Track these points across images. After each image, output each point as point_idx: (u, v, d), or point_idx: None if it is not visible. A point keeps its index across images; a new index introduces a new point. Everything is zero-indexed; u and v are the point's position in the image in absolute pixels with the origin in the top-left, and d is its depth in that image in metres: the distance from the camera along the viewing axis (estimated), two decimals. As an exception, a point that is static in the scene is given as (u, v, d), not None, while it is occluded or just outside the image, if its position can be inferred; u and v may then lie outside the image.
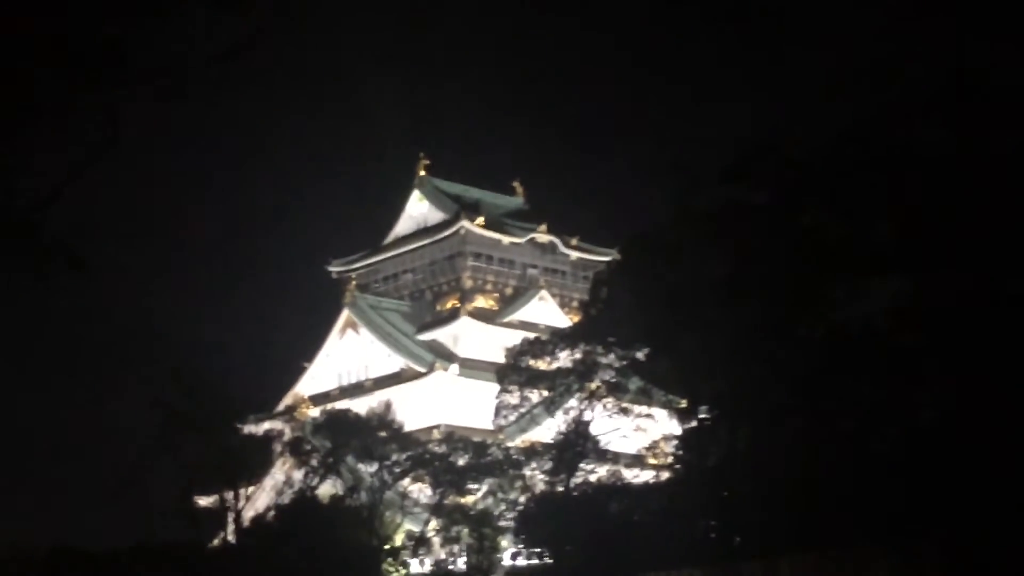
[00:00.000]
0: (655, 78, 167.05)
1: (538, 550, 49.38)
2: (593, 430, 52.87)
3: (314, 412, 68.51)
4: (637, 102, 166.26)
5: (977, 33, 31.90)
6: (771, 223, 35.86)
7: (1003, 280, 31.31)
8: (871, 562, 31.94)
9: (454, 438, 58.25)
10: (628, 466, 54.27)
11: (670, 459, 49.50)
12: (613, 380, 52.21)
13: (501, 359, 57.90)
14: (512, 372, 54.58)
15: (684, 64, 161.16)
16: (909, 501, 30.54)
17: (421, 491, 58.91)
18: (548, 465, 53.61)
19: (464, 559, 54.30)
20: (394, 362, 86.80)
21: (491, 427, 58.40)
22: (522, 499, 53.41)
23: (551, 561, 47.93)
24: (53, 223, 19.24)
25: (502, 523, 53.41)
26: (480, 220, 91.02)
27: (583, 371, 52.33)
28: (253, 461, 58.61)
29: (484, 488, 55.94)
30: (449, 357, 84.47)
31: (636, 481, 51.81)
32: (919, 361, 31.65)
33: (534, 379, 53.68)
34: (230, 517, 56.45)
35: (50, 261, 18.73)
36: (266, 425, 63.12)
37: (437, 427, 71.54)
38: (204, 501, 57.69)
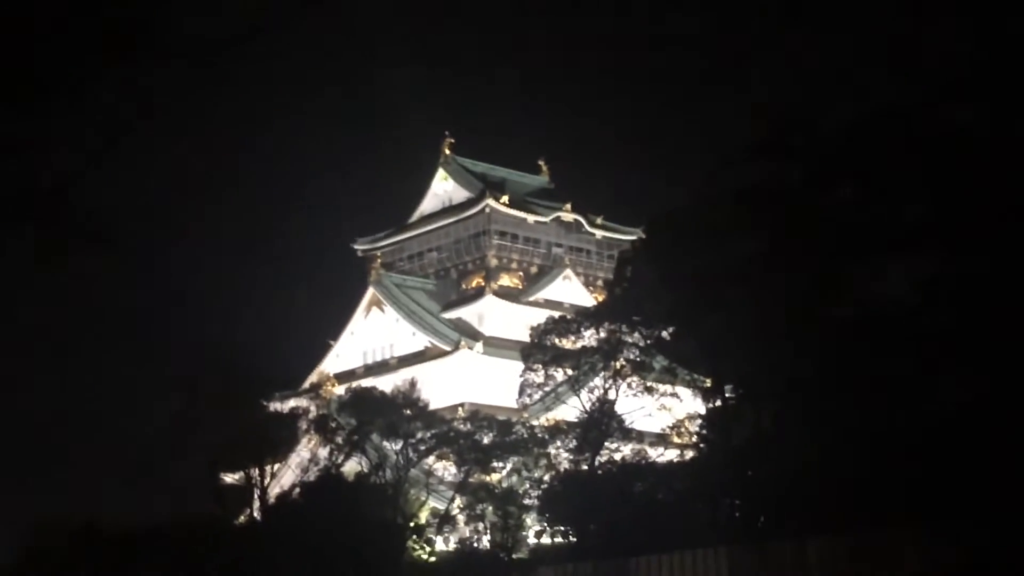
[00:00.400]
0: (682, 55, 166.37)
1: (562, 528, 49.42)
2: (618, 409, 52.80)
3: (339, 390, 68.64)
4: (664, 79, 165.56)
5: (1015, 11, 31.46)
6: (800, 201, 35.57)
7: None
8: (900, 544, 31.73)
9: (479, 416, 58.26)
10: (653, 445, 54.19)
11: (695, 438, 49.42)
12: (638, 359, 52.12)
13: (526, 338, 57.84)
14: (537, 351, 54.53)
15: (713, 40, 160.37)
16: (938, 483, 30.31)
17: (446, 469, 58.98)
18: (573, 444, 53.59)
19: (488, 537, 54.35)
20: (419, 340, 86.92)
21: (516, 405, 58.36)
22: (547, 477, 53.41)
23: (575, 539, 47.96)
24: (79, 201, 19.27)
25: (527, 501, 53.41)
26: (505, 199, 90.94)
27: (608, 350, 52.23)
28: (278, 438, 58.76)
29: (509, 466, 55.96)
30: (474, 335, 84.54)
31: (661, 460, 51.75)
32: (950, 341, 31.35)
33: (559, 358, 53.61)
34: (255, 494, 56.69)
35: (77, 239, 18.77)
36: (291, 403, 63.22)
37: (462, 405, 71.62)
38: (230, 478, 57.90)
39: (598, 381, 53.27)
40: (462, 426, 57.28)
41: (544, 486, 52.57)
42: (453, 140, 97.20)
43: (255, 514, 56.96)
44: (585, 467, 51.58)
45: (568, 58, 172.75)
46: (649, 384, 52.34)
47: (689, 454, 50.17)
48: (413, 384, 60.33)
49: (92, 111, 18.83)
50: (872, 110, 33.33)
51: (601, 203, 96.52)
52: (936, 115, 31.94)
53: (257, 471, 56.54)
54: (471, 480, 56.12)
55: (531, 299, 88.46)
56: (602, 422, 52.20)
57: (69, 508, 61.29)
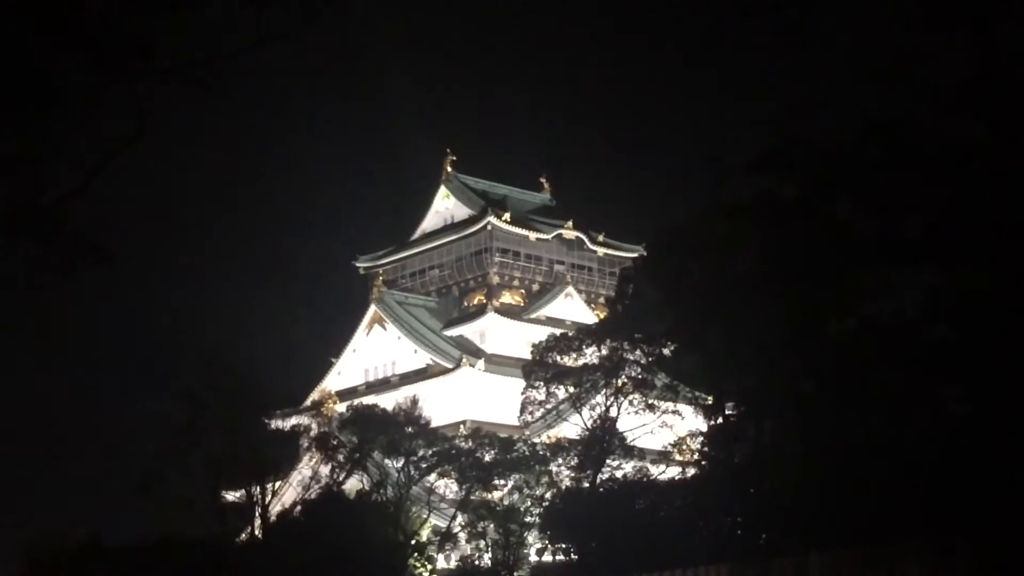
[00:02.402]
0: (683, 71, 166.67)
1: (564, 546, 49.32)
2: (619, 426, 52.78)
3: (341, 407, 68.62)
4: (664, 96, 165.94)
5: (1012, 23, 31.47)
6: (801, 216, 35.53)
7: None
8: (903, 559, 31.59)
9: (480, 434, 58.21)
10: (654, 462, 54.16)
11: (696, 455, 49.31)
12: (639, 376, 52.11)
13: (527, 355, 57.87)
14: (538, 368, 54.53)
15: (713, 56, 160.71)
16: (941, 497, 30.22)
17: (447, 487, 58.93)
18: (574, 461, 53.54)
19: (490, 555, 54.27)
20: (420, 358, 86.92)
21: (517, 423, 58.38)
22: (548, 495, 53.34)
23: (577, 557, 47.84)
24: (79, 217, 19.29)
25: (528, 519, 53.36)
26: (507, 216, 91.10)
27: (609, 367, 52.23)
28: (280, 456, 58.78)
29: (510, 484, 55.91)
30: (476, 353, 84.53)
31: (662, 477, 51.68)
32: (952, 355, 31.29)
33: (560, 375, 53.62)
34: (257, 511, 56.59)
35: (76, 254, 18.77)
36: (293, 420, 63.23)
37: (463, 423, 71.58)
38: (231, 496, 57.81)
39: (600, 398, 53.27)
40: (464, 444, 57.23)
41: (546, 503, 52.50)
42: (454, 157, 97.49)
43: (256, 532, 56.84)
44: (587, 484, 51.50)
45: (569, 76, 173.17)
46: (651, 401, 52.36)
47: (691, 471, 50.06)
48: (415, 402, 60.32)
49: (93, 128, 18.86)
50: (871, 123, 33.32)
51: (603, 220, 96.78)
52: (935, 128, 31.95)
53: (258, 488, 56.43)
54: (473, 498, 56.05)
55: (533, 316, 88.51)
56: (604, 439, 52.15)
57: (69, 525, 61.14)
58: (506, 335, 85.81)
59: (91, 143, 18.57)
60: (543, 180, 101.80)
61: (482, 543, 54.31)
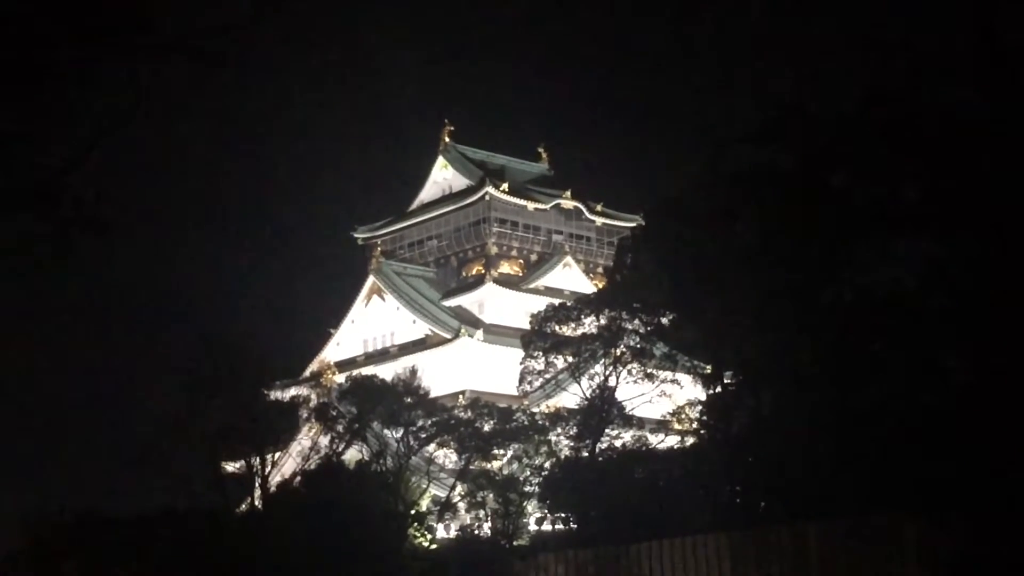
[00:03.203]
0: (682, 41, 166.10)
1: (563, 515, 49.48)
2: (618, 396, 52.86)
3: (340, 378, 68.69)
4: (663, 66, 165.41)
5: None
6: (799, 186, 35.53)
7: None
8: (900, 529, 31.73)
9: (479, 404, 58.29)
10: (653, 432, 54.23)
11: (695, 425, 49.45)
12: (638, 346, 52.14)
13: (526, 325, 57.91)
14: (537, 338, 54.57)
15: (712, 27, 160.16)
16: (939, 468, 30.32)
17: (447, 457, 59.06)
18: (573, 431, 53.64)
19: (489, 524, 54.42)
20: (419, 328, 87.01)
21: (516, 393, 58.44)
22: (547, 465, 53.45)
23: (576, 526, 48.01)
24: (76, 191, 19.23)
25: (527, 488, 53.48)
26: (505, 186, 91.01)
27: (608, 337, 52.27)
28: (279, 427, 58.79)
29: (509, 454, 56.02)
30: (474, 323, 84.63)
31: (661, 447, 51.82)
32: (950, 325, 31.35)
33: (559, 345, 53.65)
34: (256, 483, 56.70)
35: (73, 228, 18.72)
36: (292, 391, 63.27)
37: (462, 393, 71.69)
38: (231, 467, 57.91)
39: (598, 368, 53.32)
40: (463, 414, 57.32)
41: (545, 473, 52.62)
42: (452, 128, 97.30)
43: (256, 502, 56.97)
44: (586, 454, 51.62)
45: (567, 44, 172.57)
46: (649, 371, 52.39)
47: (689, 440, 50.22)
48: (414, 372, 60.37)
49: (90, 102, 18.78)
50: (870, 94, 33.27)
51: (601, 190, 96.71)
52: (934, 98, 31.90)
53: (258, 460, 56.49)
54: (472, 468, 56.18)
55: (531, 286, 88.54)
56: (602, 409, 52.25)
57: (68, 497, 61.26)
58: (504, 305, 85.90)
59: (89, 117, 18.49)
60: (541, 150, 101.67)
61: (481, 513, 54.44)
